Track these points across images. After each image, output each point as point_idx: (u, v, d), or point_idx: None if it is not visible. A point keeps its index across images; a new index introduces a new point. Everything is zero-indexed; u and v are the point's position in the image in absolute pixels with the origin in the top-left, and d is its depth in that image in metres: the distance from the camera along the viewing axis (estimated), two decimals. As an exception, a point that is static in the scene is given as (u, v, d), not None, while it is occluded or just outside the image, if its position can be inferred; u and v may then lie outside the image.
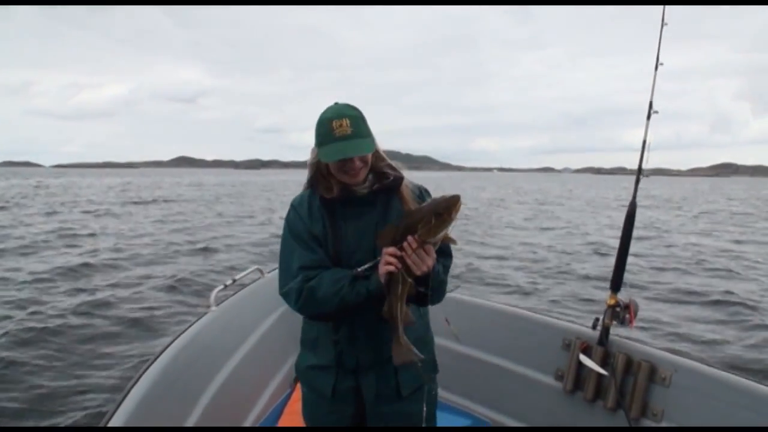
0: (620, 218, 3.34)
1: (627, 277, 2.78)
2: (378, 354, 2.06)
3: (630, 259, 2.85)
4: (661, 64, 2.72)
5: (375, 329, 2.01)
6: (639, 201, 2.73)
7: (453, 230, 1.85)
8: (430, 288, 1.93)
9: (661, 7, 2.69)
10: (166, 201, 33.24)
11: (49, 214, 23.80)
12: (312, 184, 2.12)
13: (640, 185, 2.82)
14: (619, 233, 2.83)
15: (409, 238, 1.80)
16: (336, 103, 2.02)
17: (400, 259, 1.82)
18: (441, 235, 1.81)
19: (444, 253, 2.10)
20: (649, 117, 2.75)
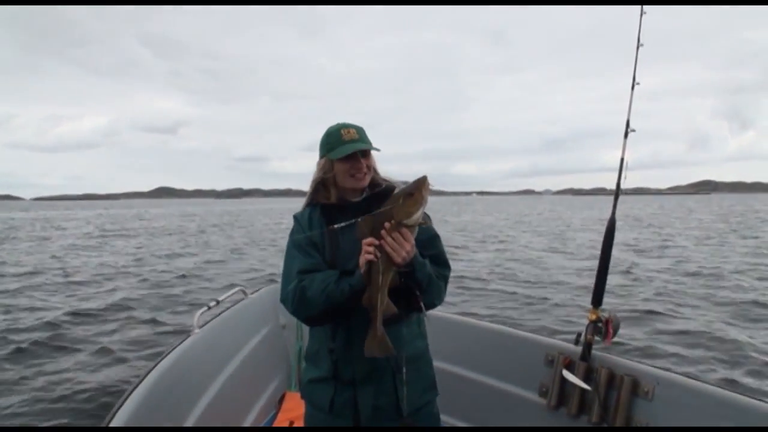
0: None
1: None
2: (375, 365, 2.06)
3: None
4: (638, 83, 2.78)
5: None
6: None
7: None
8: (417, 279, 1.95)
9: (636, 30, 2.77)
10: (170, 234, 32.18)
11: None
12: (313, 197, 2.22)
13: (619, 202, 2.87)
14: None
15: (386, 224, 1.83)
16: (338, 123, 2.18)
17: (379, 247, 1.84)
18: (416, 216, 1.83)
19: (440, 262, 2.15)
20: (626, 135, 2.81)
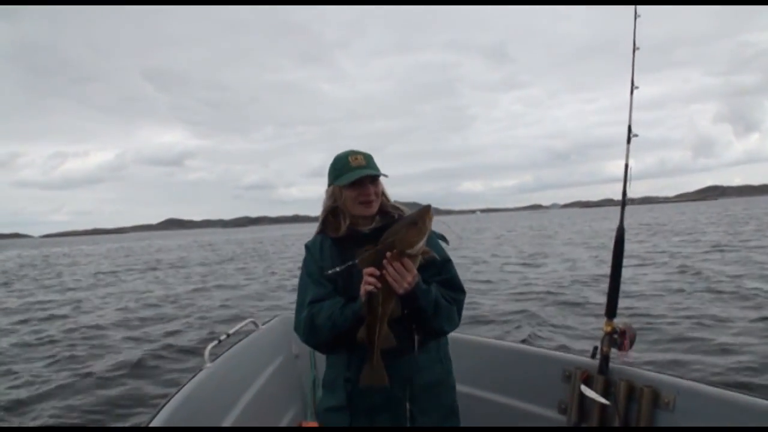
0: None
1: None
2: (390, 394, 2.04)
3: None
4: (637, 87, 2.76)
5: (387, 368, 1.97)
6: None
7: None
8: (421, 307, 1.93)
9: (632, 34, 2.74)
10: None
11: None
12: (323, 226, 2.23)
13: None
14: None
15: (387, 253, 1.80)
16: (346, 150, 2.19)
17: (380, 278, 1.82)
18: (419, 246, 1.81)
19: (453, 286, 2.13)
20: (629, 141, 2.77)
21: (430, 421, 2.09)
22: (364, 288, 1.84)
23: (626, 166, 2.75)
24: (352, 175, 2.06)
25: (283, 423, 3.70)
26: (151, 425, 2.40)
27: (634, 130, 2.78)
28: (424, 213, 1.82)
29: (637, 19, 2.76)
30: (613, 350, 2.78)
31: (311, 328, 2.03)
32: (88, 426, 5.75)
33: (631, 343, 2.72)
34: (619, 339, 2.73)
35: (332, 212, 2.20)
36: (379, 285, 1.82)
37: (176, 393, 2.76)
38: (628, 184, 2.77)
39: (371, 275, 1.83)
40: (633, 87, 2.76)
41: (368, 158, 2.14)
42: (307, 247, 2.25)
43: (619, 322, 2.78)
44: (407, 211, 2.16)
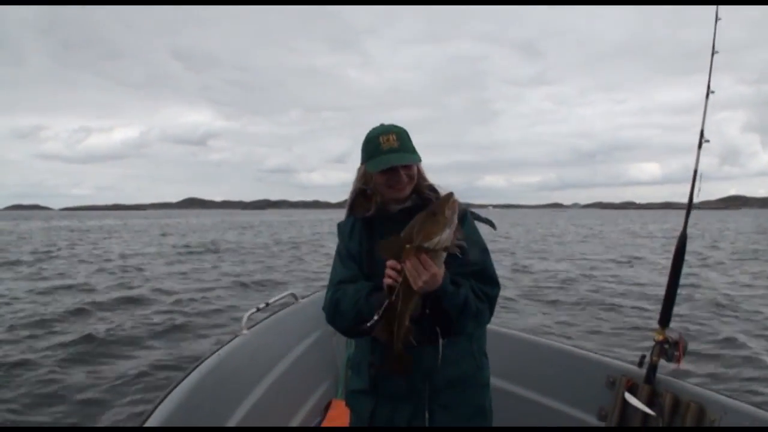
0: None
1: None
2: (412, 384, 1.97)
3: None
4: (713, 92, 2.64)
5: (410, 354, 1.88)
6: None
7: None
8: (444, 309, 1.83)
9: (710, 33, 2.64)
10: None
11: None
12: (351, 210, 2.14)
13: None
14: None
15: (407, 246, 1.67)
16: (382, 124, 2.04)
17: (401, 271, 1.71)
18: (437, 239, 1.65)
19: (485, 279, 1.99)
20: (700, 146, 2.67)
21: (452, 419, 1.99)
22: (384, 280, 1.77)
23: (695, 171, 2.65)
24: (381, 161, 1.93)
25: (314, 398, 3.68)
26: (179, 386, 2.41)
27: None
28: (443, 203, 1.68)
29: (718, 22, 2.64)
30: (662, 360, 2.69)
31: (336, 311, 1.96)
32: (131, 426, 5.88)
33: (683, 353, 2.62)
34: (671, 349, 2.64)
35: (362, 194, 2.11)
36: (398, 279, 1.71)
37: (210, 356, 2.76)
38: (696, 189, 2.68)
39: (392, 268, 1.74)
40: (708, 91, 2.64)
41: (401, 137, 1.97)
42: (339, 226, 2.18)
43: (671, 331, 2.69)
44: (444, 192, 1.98)
